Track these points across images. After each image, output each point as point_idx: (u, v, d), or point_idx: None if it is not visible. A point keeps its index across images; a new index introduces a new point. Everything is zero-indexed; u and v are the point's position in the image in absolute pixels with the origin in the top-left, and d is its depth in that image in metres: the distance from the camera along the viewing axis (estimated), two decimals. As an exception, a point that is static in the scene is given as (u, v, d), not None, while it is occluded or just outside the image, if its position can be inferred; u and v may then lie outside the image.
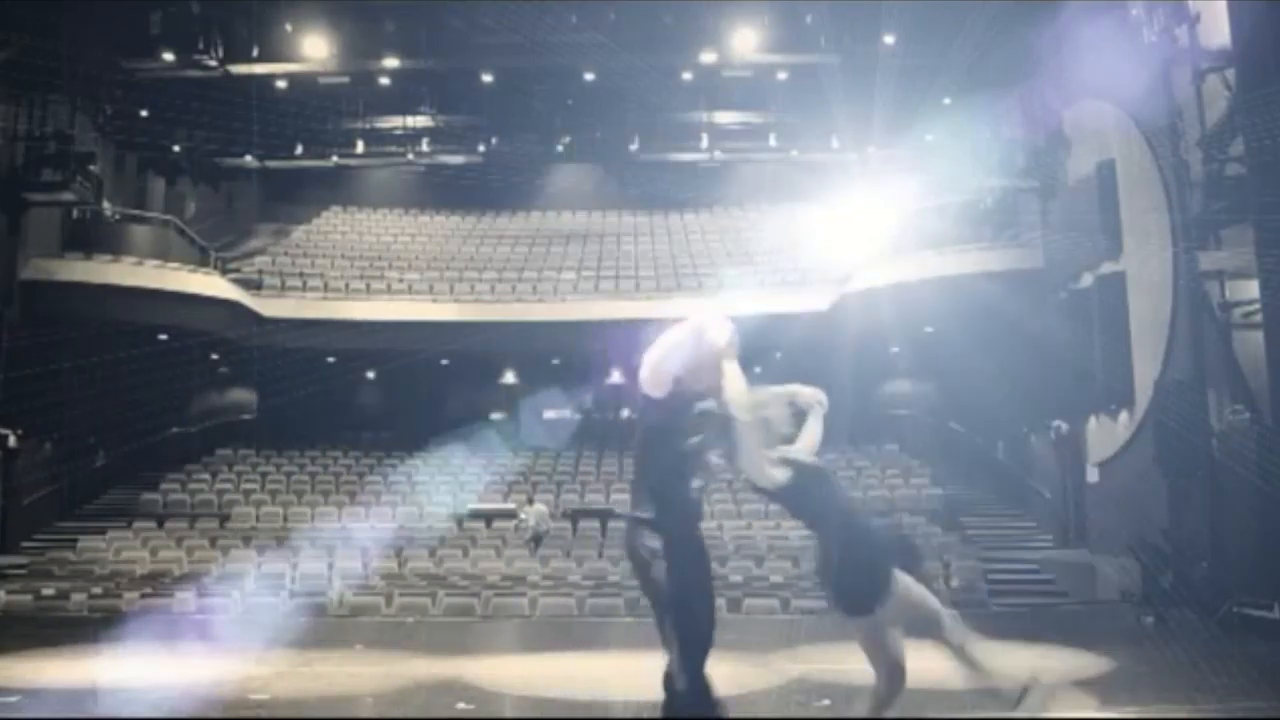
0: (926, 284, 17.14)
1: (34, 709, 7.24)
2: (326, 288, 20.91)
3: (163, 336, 18.04)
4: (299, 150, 22.40)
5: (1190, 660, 8.50)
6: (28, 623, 12.35)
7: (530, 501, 17.24)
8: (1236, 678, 7.50)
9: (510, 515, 17.24)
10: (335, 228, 25.11)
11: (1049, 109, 16.33)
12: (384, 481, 18.67)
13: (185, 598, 13.43)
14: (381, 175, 25.50)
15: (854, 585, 4.26)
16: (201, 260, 20.16)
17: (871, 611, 4.21)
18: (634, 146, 23.04)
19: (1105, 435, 15.12)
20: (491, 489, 18.47)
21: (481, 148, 22.69)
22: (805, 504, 4.45)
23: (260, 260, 22.38)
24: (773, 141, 22.87)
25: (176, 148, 21.66)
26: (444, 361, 21.31)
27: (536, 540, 16.20)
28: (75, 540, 16.25)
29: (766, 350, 21.14)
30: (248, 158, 22.52)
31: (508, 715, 7.76)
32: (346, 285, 21.08)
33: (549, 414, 21.32)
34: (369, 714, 7.68)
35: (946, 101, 18.49)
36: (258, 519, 17.45)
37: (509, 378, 23.40)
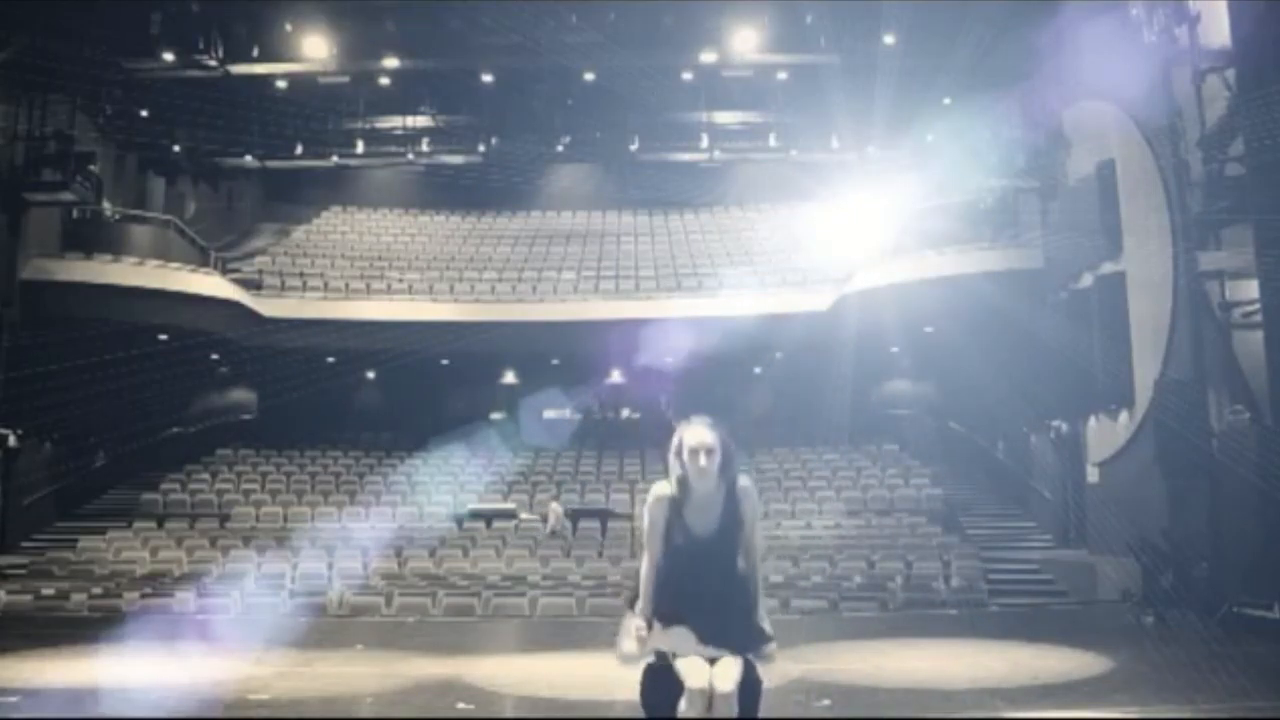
0: (926, 284, 17.14)
1: (34, 709, 7.25)
2: (326, 288, 20.90)
3: (163, 336, 18.03)
4: (299, 150, 22.38)
5: (1190, 660, 8.51)
6: (28, 623, 12.34)
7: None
8: (1236, 678, 7.50)
9: (510, 515, 17.30)
10: (335, 228, 25.12)
11: (1049, 109, 16.30)
12: (384, 481, 18.66)
13: (185, 598, 13.42)
14: (381, 175, 25.51)
15: None
16: (201, 260, 20.16)
17: None
18: (634, 146, 23.02)
19: (1105, 435, 15.12)
20: (491, 489, 18.49)
21: (481, 148, 22.67)
22: None
23: (260, 260, 22.38)
24: (773, 141, 22.84)
25: (176, 148, 21.68)
26: (444, 361, 21.31)
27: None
28: (75, 540, 16.25)
29: (767, 350, 21.18)
30: (248, 158, 22.53)
31: (508, 715, 7.76)
32: (346, 285, 21.08)
33: (549, 414, 21.33)
34: (369, 714, 7.68)
35: (946, 101, 18.50)
36: (258, 519, 17.45)
37: (509, 378, 23.41)
